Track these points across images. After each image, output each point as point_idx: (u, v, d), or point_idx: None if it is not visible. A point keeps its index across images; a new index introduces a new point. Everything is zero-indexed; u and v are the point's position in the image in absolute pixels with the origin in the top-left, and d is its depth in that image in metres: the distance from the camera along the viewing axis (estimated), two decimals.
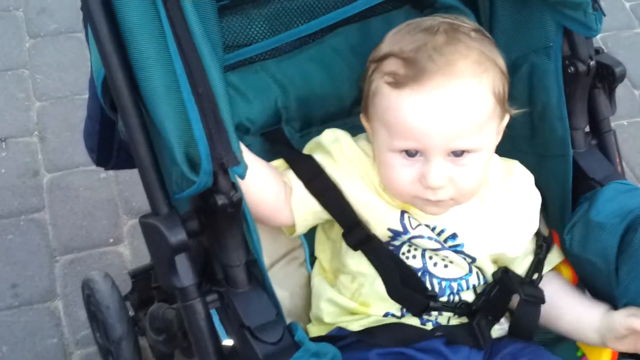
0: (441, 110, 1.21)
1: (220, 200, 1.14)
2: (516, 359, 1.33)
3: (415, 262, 1.34)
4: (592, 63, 1.37)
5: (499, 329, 1.39)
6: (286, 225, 1.37)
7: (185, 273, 1.19)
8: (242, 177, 1.15)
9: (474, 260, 1.36)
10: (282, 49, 1.44)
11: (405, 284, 1.33)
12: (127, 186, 2.36)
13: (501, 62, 1.28)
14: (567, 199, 1.41)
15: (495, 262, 1.39)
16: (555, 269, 1.44)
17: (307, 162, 1.35)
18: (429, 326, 1.34)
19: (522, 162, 1.44)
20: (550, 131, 1.40)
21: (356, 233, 1.34)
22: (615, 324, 1.30)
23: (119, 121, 1.27)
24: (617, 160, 1.43)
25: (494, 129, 1.28)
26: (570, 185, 1.40)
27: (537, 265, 1.40)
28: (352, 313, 1.36)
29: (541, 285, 1.40)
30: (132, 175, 2.35)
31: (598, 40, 2.74)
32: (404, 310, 1.35)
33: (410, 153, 1.25)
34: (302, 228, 1.37)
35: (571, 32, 1.36)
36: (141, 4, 1.12)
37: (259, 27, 1.41)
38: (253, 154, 1.29)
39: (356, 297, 1.36)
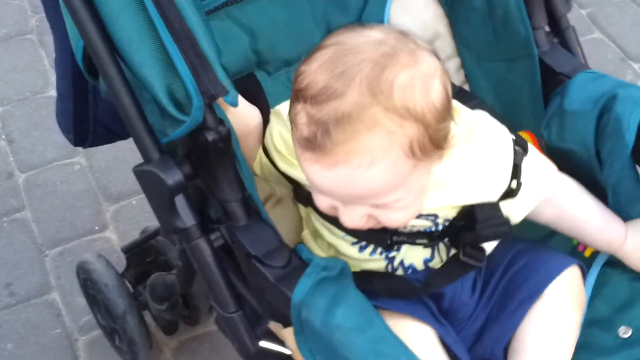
0: (346, 183, 1.10)
1: (210, 136, 1.17)
2: (511, 267, 1.32)
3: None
4: None
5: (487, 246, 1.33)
6: None
7: (186, 214, 1.22)
8: (235, 105, 1.17)
9: (435, 216, 1.27)
10: None
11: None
12: (103, 174, 2.37)
13: (433, 100, 1.09)
14: (538, 98, 1.45)
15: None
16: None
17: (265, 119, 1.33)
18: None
19: (490, 70, 1.49)
20: (514, 34, 1.44)
21: (300, 191, 1.32)
22: None
23: (101, 81, 1.29)
24: (580, 53, 1.48)
25: (420, 177, 1.14)
26: (540, 83, 1.44)
27: (514, 170, 1.27)
28: None
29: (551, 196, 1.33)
30: (106, 163, 2.38)
31: None
32: (389, 269, 1.31)
33: None
34: (265, 177, 1.37)
35: None
36: None
37: None
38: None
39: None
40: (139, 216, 2.26)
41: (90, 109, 1.60)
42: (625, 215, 1.37)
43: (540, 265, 1.31)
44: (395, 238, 1.27)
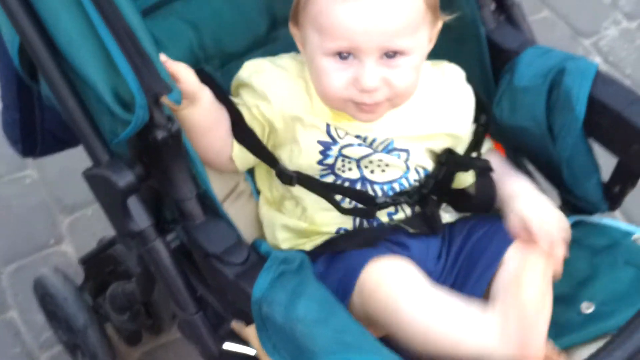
0: (375, 12, 1.21)
1: (160, 134, 1.15)
2: (471, 235, 1.35)
3: (352, 174, 1.34)
4: None
5: (448, 216, 1.41)
6: (232, 168, 1.39)
7: (140, 216, 1.20)
8: (178, 102, 1.16)
9: (408, 154, 1.36)
10: None
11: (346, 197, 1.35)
12: (56, 186, 2.33)
13: None
14: (488, 76, 1.46)
15: (431, 152, 1.40)
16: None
17: (229, 107, 1.35)
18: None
19: (438, 52, 1.48)
20: (459, 14, 1.43)
21: (284, 174, 1.35)
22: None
23: (42, 86, 1.26)
24: (527, 28, 1.48)
25: (425, 34, 1.29)
26: (489, 61, 1.45)
27: (476, 145, 1.42)
28: (306, 235, 1.37)
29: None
30: (58, 174, 2.33)
31: None
32: (356, 223, 1.36)
33: (343, 56, 1.24)
34: (243, 167, 1.39)
35: None
36: None
37: None
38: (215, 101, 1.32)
39: (304, 219, 1.37)
40: (95, 226, 2.22)
41: (37, 117, 1.57)
42: (582, 189, 1.39)
43: (497, 232, 1.32)
44: (380, 200, 1.34)
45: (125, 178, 1.15)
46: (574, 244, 1.38)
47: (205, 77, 1.39)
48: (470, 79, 1.43)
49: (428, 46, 1.32)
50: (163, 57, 1.20)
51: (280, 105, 1.33)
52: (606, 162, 1.39)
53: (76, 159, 2.12)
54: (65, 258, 2.18)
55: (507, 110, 1.41)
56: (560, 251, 1.29)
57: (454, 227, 1.39)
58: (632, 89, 1.33)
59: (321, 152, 1.33)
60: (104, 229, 2.11)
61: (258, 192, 1.46)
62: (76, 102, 1.17)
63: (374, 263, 1.23)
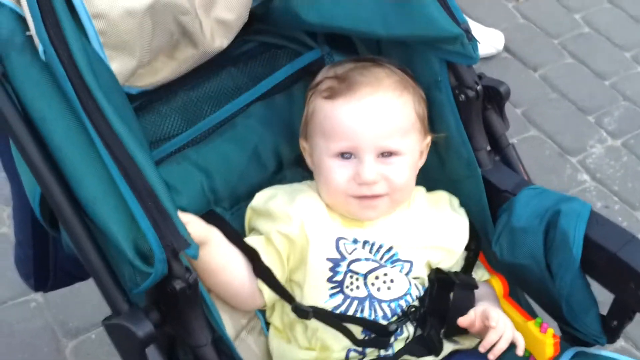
0: (370, 114, 1.41)
1: (178, 284, 1.19)
2: None
3: (359, 292, 1.41)
4: (479, 88, 1.49)
5: (451, 345, 1.46)
6: (262, 306, 1.46)
7: None
8: (195, 257, 1.21)
9: (411, 265, 1.44)
10: (199, 136, 1.51)
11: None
12: (60, 310, 2.35)
13: (420, 90, 1.48)
14: (486, 216, 1.51)
15: (429, 267, 1.47)
16: (486, 281, 1.55)
17: (244, 247, 1.43)
18: (390, 351, 1.41)
19: (437, 189, 1.56)
20: (456, 156, 1.51)
21: (300, 309, 1.41)
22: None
23: (62, 235, 1.31)
24: (522, 169, 1.55)
25: (416, 140, 1.46)
26: (486, 202, 1.51)
27: (467, 268, 1.52)
28: None
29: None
30: (62, 298, 2.35)
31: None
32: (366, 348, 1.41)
33: (345, 156, 1.42)
34: (270, 301, 1.45)
35: (454, 64, 1.47)
36: (65, 119, 1.18)
37: (172, 121, 1.49)
38: (226, 241, 1.40)
39: (314, 343, 1.42)
40: (98, 350, 2.24)
41: (50, 255, 1.61)
42: (581, 323, 1.43)
43: None
44: (392, 328, 1.40)
45: (144, 329, 1.19)
46: None
47: (216, 219, 1.46)
48: (467, 216, 1.50)
49: (419, 157, 1.48)
50: None
51: (300, 218, 1.42)
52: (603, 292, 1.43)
53: (80, 283, 2.16)
54: None
55: (506, 249, 1.46)
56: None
57: (453, 357, 1.44)
58: (625, 229, 1.39)
59: (331, 269, 1.40)
60: (107, 353, 2.14)
61: (267, 327, 1.50)
62: (97, 255, 1.22)
63: None
